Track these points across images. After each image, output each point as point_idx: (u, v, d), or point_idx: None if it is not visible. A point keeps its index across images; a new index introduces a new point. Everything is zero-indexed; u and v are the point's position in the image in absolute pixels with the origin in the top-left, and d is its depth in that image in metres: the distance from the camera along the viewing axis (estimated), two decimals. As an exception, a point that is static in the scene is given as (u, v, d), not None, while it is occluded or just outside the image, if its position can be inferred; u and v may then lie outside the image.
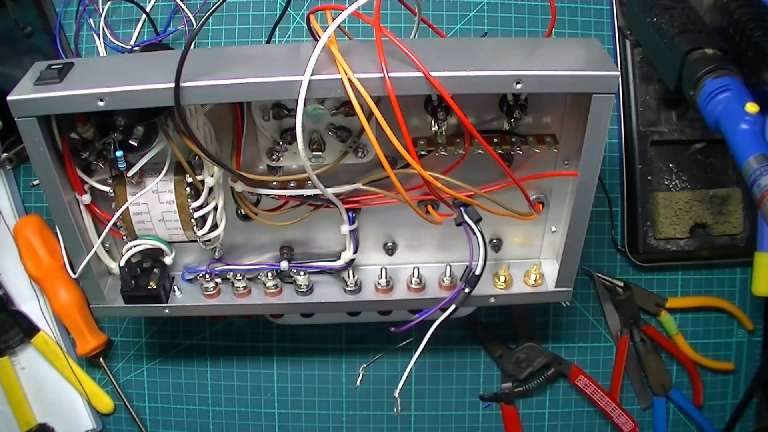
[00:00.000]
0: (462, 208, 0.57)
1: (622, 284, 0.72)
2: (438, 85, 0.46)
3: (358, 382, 0.65)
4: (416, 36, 0.61)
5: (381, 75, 0.46)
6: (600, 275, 0.73)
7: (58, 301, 0.70)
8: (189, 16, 0.67)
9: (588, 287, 0.73)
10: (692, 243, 0.70)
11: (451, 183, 0.53)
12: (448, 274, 0.61)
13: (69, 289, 0.70)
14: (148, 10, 0.67)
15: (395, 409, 0.58)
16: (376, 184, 0.57)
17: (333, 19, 0.48)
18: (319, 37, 0.47)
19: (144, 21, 0.68)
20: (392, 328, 0.58)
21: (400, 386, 0.56)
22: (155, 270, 0.59)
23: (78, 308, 0.70)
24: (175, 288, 0.61)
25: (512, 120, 0.54)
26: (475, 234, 0.55)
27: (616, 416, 0.73)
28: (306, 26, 0.55)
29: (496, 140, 0.55)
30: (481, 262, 0.55)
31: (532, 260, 0.64)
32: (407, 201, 0.53)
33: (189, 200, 0.55)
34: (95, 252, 0.56)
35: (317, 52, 0.46)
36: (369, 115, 0.47)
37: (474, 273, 0.55)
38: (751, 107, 0.51)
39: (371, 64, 0.46)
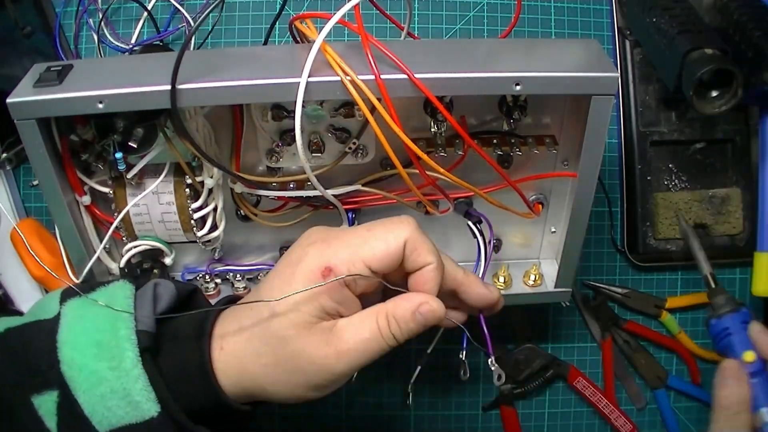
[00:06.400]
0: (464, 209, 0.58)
1: (592, 289, 0.72)
2: (423, 87, 0.46)
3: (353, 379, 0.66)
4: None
5: (371, 77, 0.45)
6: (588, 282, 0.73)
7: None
8: (188, 19, 0.67)
9: (587, 287, 0.73)
10: (692, 243, 0.70)
11: (451, 183, 0.53)
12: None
13: (74, 284, 0.69)
14: (149, 8, 0.67)
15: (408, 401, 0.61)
16: (375, 185, 0.57)
17: (315, 27, 0.48)
18: (302, 41, 0.46)
19: (145, 20, 0.68)
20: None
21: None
22: (155, 270, 0.59)
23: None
24: (175, 288, 0.61)
25: (512, 121, 0.54)
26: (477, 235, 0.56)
27: (614, 418, 0.73)
28: (289, 32, 0.55)
29: (495, 141, 0.55)
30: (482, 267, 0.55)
31: (532, 260, 0.64)
32: (420, 197, 0.53)
33: (189, 201, 0.55)
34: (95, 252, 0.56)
35: (313, 54, 0.46)
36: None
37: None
38: (749, 356, 0.57)
39: (362, 67, 0.46)
